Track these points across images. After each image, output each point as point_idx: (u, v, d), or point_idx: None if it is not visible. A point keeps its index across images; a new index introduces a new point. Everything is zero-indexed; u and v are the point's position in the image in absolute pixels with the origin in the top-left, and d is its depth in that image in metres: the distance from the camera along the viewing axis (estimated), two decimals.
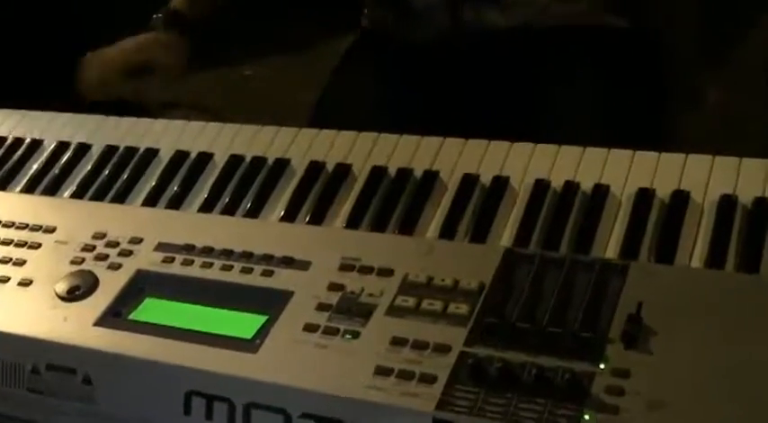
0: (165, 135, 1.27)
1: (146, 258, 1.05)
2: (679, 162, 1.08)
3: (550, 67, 1.09)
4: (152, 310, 1.00)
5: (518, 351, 0.88)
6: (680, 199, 1.03)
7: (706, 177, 1.05)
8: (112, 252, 1.06)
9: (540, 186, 1.08)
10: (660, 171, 1.07)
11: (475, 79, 1.14)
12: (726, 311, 0.88)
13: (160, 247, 1.06)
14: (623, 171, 1.07)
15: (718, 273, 0.95)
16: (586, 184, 1.07)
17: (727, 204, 1.02)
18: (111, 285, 1.03)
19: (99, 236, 1.09)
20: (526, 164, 1.11)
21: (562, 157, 1.10)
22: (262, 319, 0.96)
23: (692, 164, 1.07)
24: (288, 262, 1.01)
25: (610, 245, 1.01)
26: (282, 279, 1.00)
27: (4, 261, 1.07)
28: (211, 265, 1.03)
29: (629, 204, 1.04)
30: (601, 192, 1.06)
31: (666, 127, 1.35)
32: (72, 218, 1.13)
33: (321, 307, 0.95)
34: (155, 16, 1.48)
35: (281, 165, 1.18)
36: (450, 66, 1.26)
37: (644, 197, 1.04)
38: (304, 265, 1.01)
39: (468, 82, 1.22)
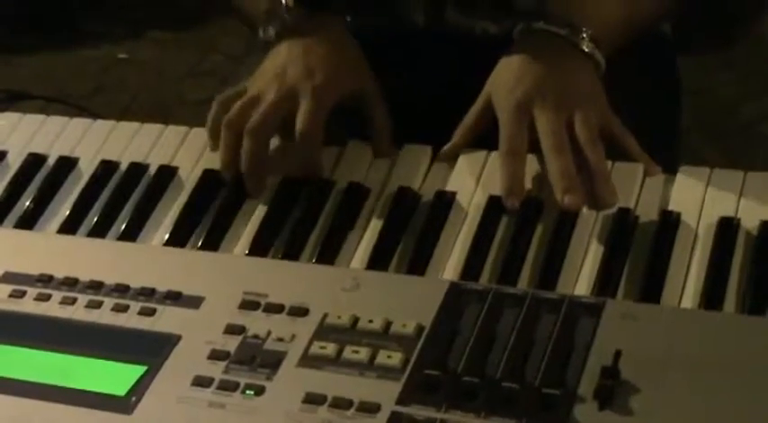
0: (15, 133, 1.28)
1: None
2: (668, 176, 1.12)
3: None
4: None
5: (465, 411, 0.90)
6: (668, 222, 1.07)
7: (702, 195, 1.09)
8: None
9: (496, 204, 1.11)
10: (644, 187, 1.12)
11: (455, 81, 1.22)
12: (724, 363, 0.92)
13: (6, 277, 1.07)
14: None
15: (715, 314, 0.99)
16: (553, 203, 1.10)
17: (726, 230, 1.06)
18: None
19: None
20: (477, 175, 1.14)
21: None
22: (139, 370, 0.97)
23: (685, 179, 1.12)
24: (174, 298, 1.03)
25: (581, 279, 1.04)
26: (166, 320, 1.01)
27: None
28: (74, 301, 1.04)
29: (605, 228, 1.08)
30: (571, 213, 1.09)
31: (667, 140, 1.41)
32: None
33: (215, 355, 0.97)
34: None
35: (167, 174, 1.20)
36: (429, 66, 1.34)
37: (624, 219, 1.08)
38: (194, 302, 1.02)
39: (446, 84, 1.30)
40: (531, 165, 1.13)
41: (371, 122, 1.22)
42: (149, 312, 1.02)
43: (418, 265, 1.07)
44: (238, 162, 1.16)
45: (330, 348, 0.96)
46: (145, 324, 1.01)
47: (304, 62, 1.20)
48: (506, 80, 1.16)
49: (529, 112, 1.13)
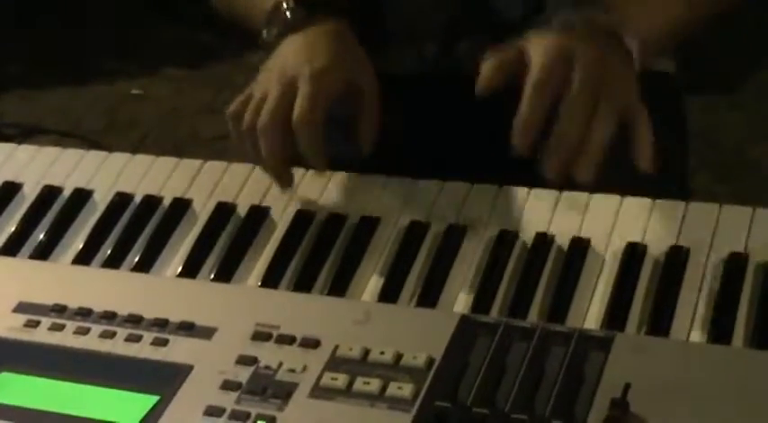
0: (31, 165, 1.29)
1: (1, 322, 1.06)
2: (678, 212, 1.13)
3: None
4: (8, 388, 1.01)
5: None
6: (677, 257, 1.08)
7: (711, 231, 1.10)
8: None
9: (505, 238, 1.12)
10: (653, 222, 1.12)
11: (462, 118, 1.21)
12: (732, 396, 0.92)
13: (21, 307, 1.08)
14: (608, 221, 1.12)
15: (724, 348, 0.99)
16: (562, 237, 1.11)
17: (735, 265, 1.06)
18: None
19: None
20: (489, 210, 1.15)
21: (533, 203, 1.15)
22: (151, 400, 0.97)
23: (696, 214, 1.12)
24: (186, 328, 1.03)
25: (590, 312, 1.05)
26: (179, 350, 1.02)
27: None
28: (87, 331, 1.04)
29: (614, 263, 1.08)
30: (580, 247, 1.10)
31: (676, 178, 1.41)
32: None
33: (227, 385, 0.97)
34: None
35: (181, 206, 1.21)
36: (436, 102, 1.35)
37: (633, 254, 1.08)
38: (207, 333, 1.03)
39: (454, 120, 1.29)
40: (544, 199, 1.13)
41: (361, 117, 1.19)
42: (162, 343, 1.02)
43: (429, 297, 1.08)
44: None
45: (341, 379, 0.96)
46: (158, 354, 1.02)
47: (305, 53, 1.18)
48: (548, 33, 1.10)
49: (570, 50, 1.07)
